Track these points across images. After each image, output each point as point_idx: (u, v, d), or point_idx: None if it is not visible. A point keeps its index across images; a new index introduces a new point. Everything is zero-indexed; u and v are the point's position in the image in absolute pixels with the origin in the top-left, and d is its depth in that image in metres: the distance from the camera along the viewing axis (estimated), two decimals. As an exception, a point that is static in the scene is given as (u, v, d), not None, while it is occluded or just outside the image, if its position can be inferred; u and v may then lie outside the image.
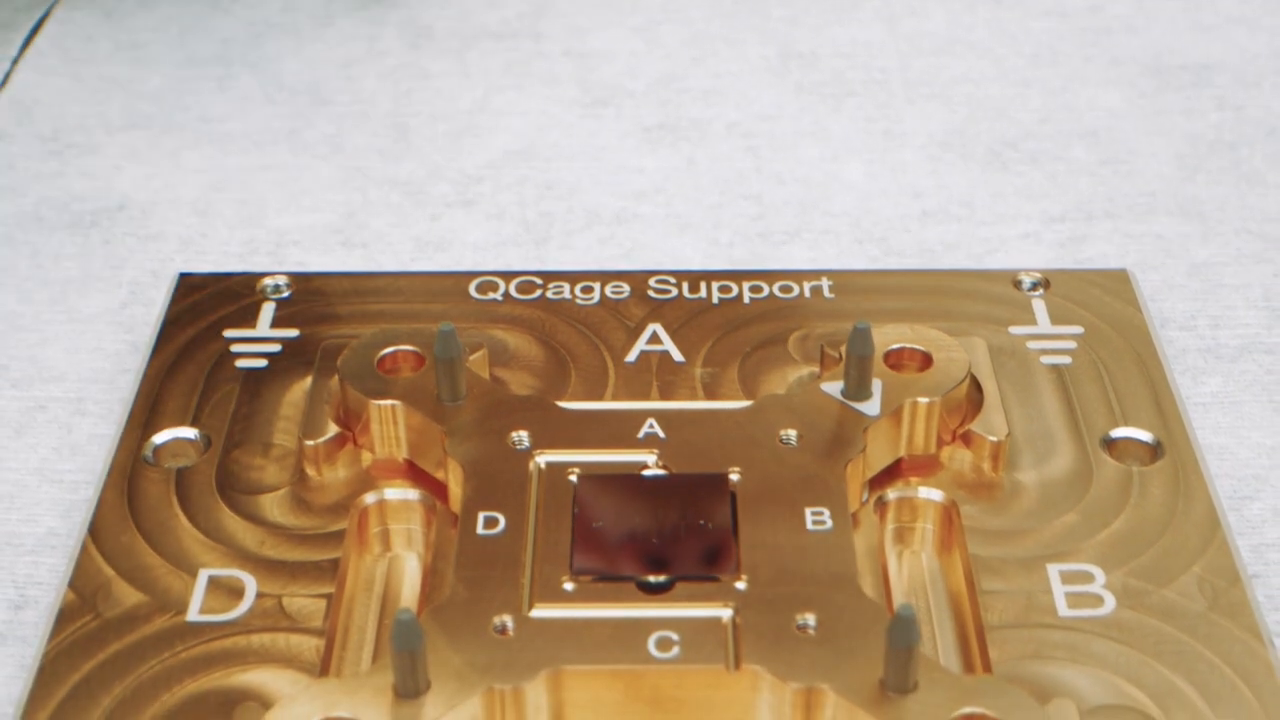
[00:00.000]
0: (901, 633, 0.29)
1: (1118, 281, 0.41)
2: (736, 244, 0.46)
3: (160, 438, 0.37)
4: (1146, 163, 0.49)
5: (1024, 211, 0.46)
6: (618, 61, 0.54)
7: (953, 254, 0.45)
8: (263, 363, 0.39)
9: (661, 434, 0.35)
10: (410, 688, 0.30)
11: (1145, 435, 0.37)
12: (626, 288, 0.41)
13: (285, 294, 0.41)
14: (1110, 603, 0.33)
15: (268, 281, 0.42)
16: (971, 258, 0.45)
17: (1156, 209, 0.47)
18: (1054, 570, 0.34)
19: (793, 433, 0.35)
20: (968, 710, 0.29)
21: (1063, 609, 0.33)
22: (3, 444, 0.40)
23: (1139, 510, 0.35)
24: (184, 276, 0.42)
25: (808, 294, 0.41)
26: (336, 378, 0.37)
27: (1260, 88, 0.51)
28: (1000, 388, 0.37)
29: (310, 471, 0.36)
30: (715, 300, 0.40)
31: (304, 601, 0.33)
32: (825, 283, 0.41)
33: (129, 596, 0.33)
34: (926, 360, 0.37)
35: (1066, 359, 0.39)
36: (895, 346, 0.37)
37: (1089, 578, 0.33)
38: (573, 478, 0.34)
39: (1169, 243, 0.46)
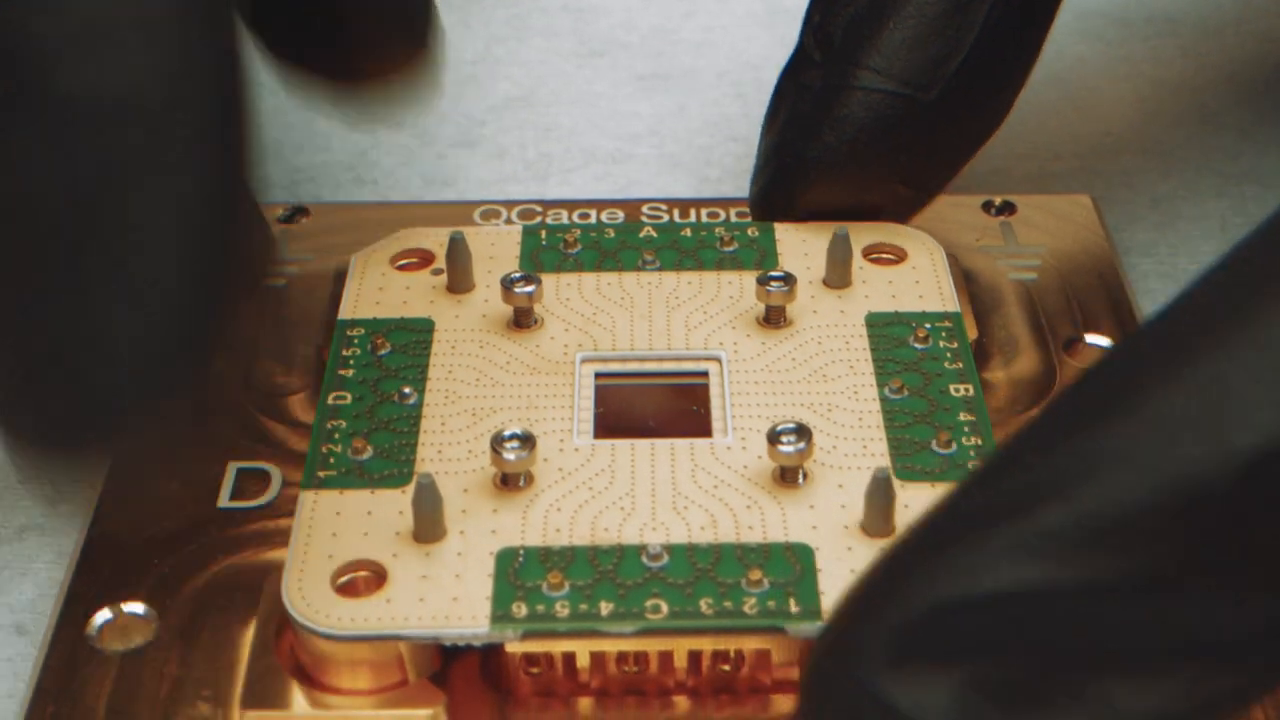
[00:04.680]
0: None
1: (1081, 207, 0.44)
2: (725, 180, 0.48)
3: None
4: (1112, 106, 0.51)
5: (993, 149, 0.49)
6: (613, 15, 0.56)
7: (928, 188, 0.48)
8: (281, 282, 0.42)
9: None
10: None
11: (1104, 341, 0.40)
12: (621, 214, 0.44)
13: (301, 222, 0.44)
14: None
15: (281, 213, 0.44)
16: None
17: (1121, 148, 0.50)
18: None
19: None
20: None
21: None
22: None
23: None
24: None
25: (791, 220, 0.43)
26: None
27: (1222, 36, 0.54)
28: (970, 297, 0.40)
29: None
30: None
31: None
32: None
33: (163, 488, 0.36)
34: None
35: (1033, 275, 0.42)
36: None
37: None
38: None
39: (1132, 178, 0.48)
